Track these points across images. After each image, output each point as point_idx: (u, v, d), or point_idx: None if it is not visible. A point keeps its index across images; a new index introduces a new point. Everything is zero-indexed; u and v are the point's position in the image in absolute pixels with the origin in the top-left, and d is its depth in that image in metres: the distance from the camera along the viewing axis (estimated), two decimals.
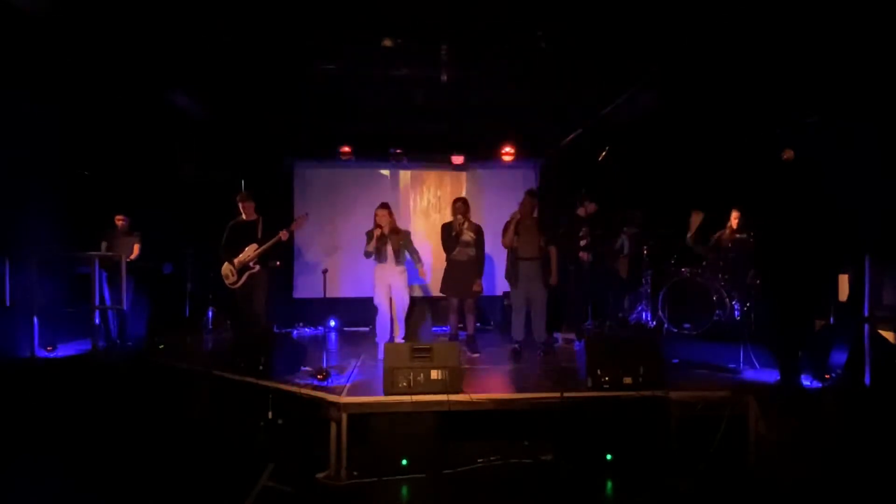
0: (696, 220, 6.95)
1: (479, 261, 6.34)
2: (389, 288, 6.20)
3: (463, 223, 6.33)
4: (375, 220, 6.16)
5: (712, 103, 6.80)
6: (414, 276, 6.55)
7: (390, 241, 6.09)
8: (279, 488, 3.94)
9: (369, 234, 6.18)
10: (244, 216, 6.20)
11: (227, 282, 6.11)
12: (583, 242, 6.32)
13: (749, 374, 5.19)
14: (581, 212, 6.49)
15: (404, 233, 6.27)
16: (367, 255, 6.15)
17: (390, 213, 6.17)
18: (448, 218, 6.73)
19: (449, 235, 6.36)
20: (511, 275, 6.13)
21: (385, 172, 9.32)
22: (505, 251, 6.23)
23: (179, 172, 7.33)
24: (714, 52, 5.32)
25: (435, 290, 7.62)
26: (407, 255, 6.30)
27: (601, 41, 5.76)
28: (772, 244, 4.85)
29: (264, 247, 6.01)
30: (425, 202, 9.30)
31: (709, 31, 5.10)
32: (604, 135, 7.84)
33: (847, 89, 5.46)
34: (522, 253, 6.02)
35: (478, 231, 6.37)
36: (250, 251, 6.00)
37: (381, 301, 6.22)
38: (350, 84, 7.12)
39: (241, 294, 6.10)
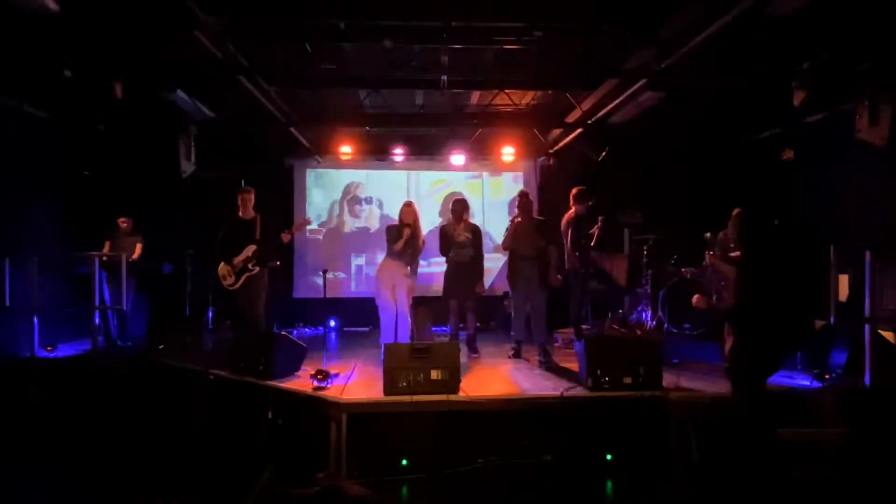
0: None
1: (478, 261, 6.30)
2: (394, 286, 5.90)
3: (461, 224, 6.29)
4: (402, 218, 5.91)
5: (711, 102, 6.80)
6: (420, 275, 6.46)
7: (414, 241, 5.90)
8: (279, 488, 3.93)
9: (395, 231, 5.91)
10: (241, 212, 6.13)
11: (224, 283, 6.03)
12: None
13: None
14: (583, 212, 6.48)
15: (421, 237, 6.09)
16: (395, 253, 5.91)
17: (416, 212, 5.99)
18: (446, 218, 6.68)
19: (447, 237, 6.27)
20: (512, 276, 6.12)
21: (385, 172, 9.31)
22: (505, 251, 6.21)
23: (180, 172, 7.32)
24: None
25: (433, 291, 7.62)
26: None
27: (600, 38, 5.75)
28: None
29: (263, 249, 5.96)
30: (424, 202, 9.28)
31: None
32: (604, 134, 7.83)
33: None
34: (522, 253, 6.01)
35: (475, 231, 6.30)
36: (248, 252, 5.96)
37: (385, 301, 5.91)
38: (350, 83, 7.13)
39: (240, 295, 6.06)
